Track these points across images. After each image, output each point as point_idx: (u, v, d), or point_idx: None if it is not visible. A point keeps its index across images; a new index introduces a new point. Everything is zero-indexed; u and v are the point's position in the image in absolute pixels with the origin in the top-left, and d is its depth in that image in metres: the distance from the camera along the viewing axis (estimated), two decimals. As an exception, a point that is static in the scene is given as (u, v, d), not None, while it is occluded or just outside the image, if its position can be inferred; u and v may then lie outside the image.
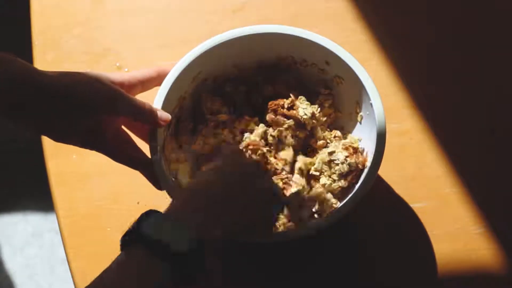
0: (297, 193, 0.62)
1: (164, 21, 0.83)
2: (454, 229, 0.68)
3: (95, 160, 0.68)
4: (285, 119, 0.66)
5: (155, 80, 0.63)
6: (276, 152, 0.66)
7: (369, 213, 0.68)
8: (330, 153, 0.64)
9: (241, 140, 0.66)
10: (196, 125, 0.69)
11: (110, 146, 0.61)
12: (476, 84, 0.77)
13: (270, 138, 0.66)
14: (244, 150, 0.63)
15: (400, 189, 0.70)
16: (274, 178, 0.63)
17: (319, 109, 0.67)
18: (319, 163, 0.64)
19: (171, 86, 0.63)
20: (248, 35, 0.65)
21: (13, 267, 1.41)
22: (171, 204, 0.51)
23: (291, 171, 0.65)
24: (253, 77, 0.70)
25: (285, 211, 0.63)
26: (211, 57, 0.65)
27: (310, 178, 0.65)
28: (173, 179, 0.63)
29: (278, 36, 0.65)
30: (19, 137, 1.43)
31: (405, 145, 0.73)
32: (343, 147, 0.64)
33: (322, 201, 0.63)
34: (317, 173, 0.65)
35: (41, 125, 0.56)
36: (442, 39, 0.79)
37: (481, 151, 0.73)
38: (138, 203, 0.71)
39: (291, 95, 0.67)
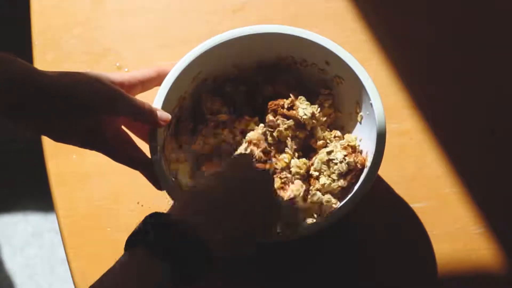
0: (293, 199, 0.62)
1: (164, 21, 0.83)
2: (454, 229, 0.69)
3: (95, 160, 0.68)
4: (285, 119, 0.66)
5: (155, 80, 0.63)
6: (276, 152, 0.66)
7: (369, 213, 0.68)
8: (329, 153, 0.64)
9: (241, 140, 0.66)
10: (196, 125, 0.69)
11: (110, 146, 0.61)
12: (476, 84, 0.77)
13: (270, 139, 0.66)
14: (246, 145, 0.64)
15: (400, 189, 0.70)
16: (277, 180, 0.63)
17: (319, 109, 0.67)
18: (318, 162, 0.64)
19: (171, 86, 0.63)
20: (248, 35, 0.65)
21: (13, 267, 1.41)
22: (173, 206, 0.51)
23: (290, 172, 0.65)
24: (253, 77, 0.70)
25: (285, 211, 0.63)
26: (211, 57, 0.65)
27: (310, 178, 0.65)
28: (173, 179, 0.63)
29: (278, 36, 0.65)
30: (19, 137, 1.43)
31: (405, 145, 0.73)
32: (342, 146, 0.64)
33: (319, 208, 0.63)
34: (317, 173, 0.65)
35: (41, 125, 0.56)
36: (442, 39, 0.79)
37: (481, 151, 0.73)
38: (138, 203, 0.71)
39: (291, 95, 0.67)
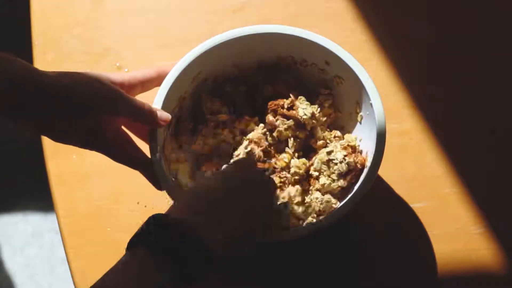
0: (286, 203, 0.63)
1: (164, 21, 0.83)
2: (454, 229, 0.68)
3: (95, 160, 0.68)
4: (284, 119, 0.66)
5: (155, 81, 0.63)
6: (276, 152, 0.66)
7: (369, 213, 0.68)
8: (329, 153, 0.64)
9: (241, 140, 0.66)
10: (196, 125, 0.69)
11: (110, 146, 0.61)
12: (476, 84, 0.77)
13: (269, 139, 0.66)
14: (247, 143, 0.64)
15: (400, 189, 0.70)
16: (272, 176, 0.63)
17: (319, 109, 0.67)
18: (318, 162, 0.65)
19: (171, 86, 0.63)
20: (248, 35, 0.65)
21: (13, 267, 1.41)
22: (172, 206, 0.51)
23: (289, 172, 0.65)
24: (253, 77, 0.70)
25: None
26: (211, 57, 0.65)
27: (310, 178, 0.65)
28: (173, 179, 0.63)
29: (278, 36, 0.65)
30: (19, 137, 1.43)
31: (405, 145, 0.73)
32: (342, 146, 0.64)
33: (318, 209, 0.63)
34: (316, 173, 0.65)
35: (41, 125, 0.56)
36: (442, 39, 0.79)
37: (481, 151, 0.73)
38: (138, 203, 0.71)
39: (291, 95, 0.67)
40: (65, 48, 0.82)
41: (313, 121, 0.66)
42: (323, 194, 0.64)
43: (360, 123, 0.66)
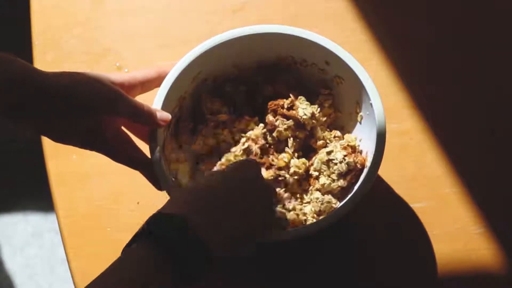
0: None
1: (164, 21, 0.83)
2: (454, 229, 0.68)
3: (95, 160, 0.68)
4: (284, 119, 0.66)
5: (155, 81, 0.63)
6: (276, 151, 0.66)
7: (369, 213, 0.68)
8: (329, 153, 0.64)
9: (239, 139, 0.66)
10: (196, 125, 0.69)
11: (110, 146, 0.61)
12: (476, 84, 0.77)
13: (269, 139, 0.66)
14: (244, 140, 0.64)
15: (400, 189, 0.70)
16: (269, 171, 0.63)
17: (319, 109, 0.67)
18: (317, 162, 0.65)
19: (171, 86, 0.63)
20: (248, 35, 0.65)
21: (13, 267, 1.41)
22: (169, 201, 0.51)
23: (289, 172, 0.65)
24: (253, 77, 0.70)
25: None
26: (211, 57, 0.65)
27: (310, 178, 0.65)
28: (173, 179, 0.63)
29: (278, 36, 0.65)
30: (19, 137, 1.43)
31: (405, 145, 0.73)
32: (342, 146, 0.64)
33: (318, 209, 0.63)
34: (316, 173, 0.65)
35: (41, 125, 0.56)
36: (442, 39, 0.79)
37: (481, 151, 0.73)
38: (138, 203, 0.71)
39: (291, 95, 0.67)
40: (65, 48, 0.82)
41: (313, 121, 0.66)
42: (323, 194, 0.64)
43: (360, 123, 0.66)
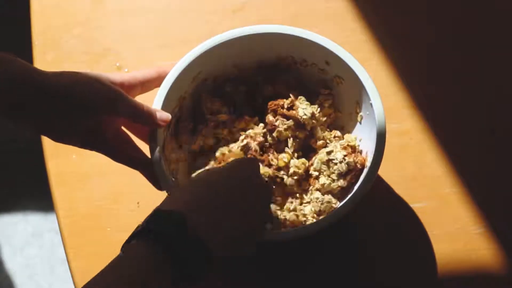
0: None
1: (164, 21, 0.83)
2: (454, 229, 0.68)
3: (95, 160, 0.68)
4: (284, 119, 0.66)
5: (155, 81, 0.63)
6: (276, 151, 0.66)
7: (369, 213, 0.68)
8: (329, 153, 0.64)
9: (238, 138, 0.66)
10: (196, 125, 0.69)
11: (110, 146, 0.61)
12: (476, 84, 0.77)
13: (269, 139, 0.66)
14: (243, 137, 0.64)
15: (400, 189, 0.70)
16: (268, 169, 0.63)
17: (319, 109, 0.67)
18: (317, 162, 0.65)
19: (171, 86, 0.63)
20: (248, 35, 0.65)
21: (13, 267, 1.41)
22: (172, 203, 0.51)
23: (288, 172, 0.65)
24: (253, 77, 0.70)
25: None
26: (211, 57, 0.65)
27: (310, 178, 0.65)
28: (173, 179, 0.63)
29: (278, 36, 0.65)
30: (19, 137, 1.43)
31: (405, 145, 0.73)
32: (342, 146, 0.64)
33: (318, 209, 0.63)
34: (316, 173, 0.65)
35: (41, 125, 0.56)
36: (442, 39, 0.79)
37: (481, 151, 0.73)
38: (138, 203, 0.71)
39: (291, 95, 0.67)
40: (65, 48, 0.82)
41: (313, 121, 0.66)
42: (323, 194, 0.64)
43: (360, 123, 0.66)
